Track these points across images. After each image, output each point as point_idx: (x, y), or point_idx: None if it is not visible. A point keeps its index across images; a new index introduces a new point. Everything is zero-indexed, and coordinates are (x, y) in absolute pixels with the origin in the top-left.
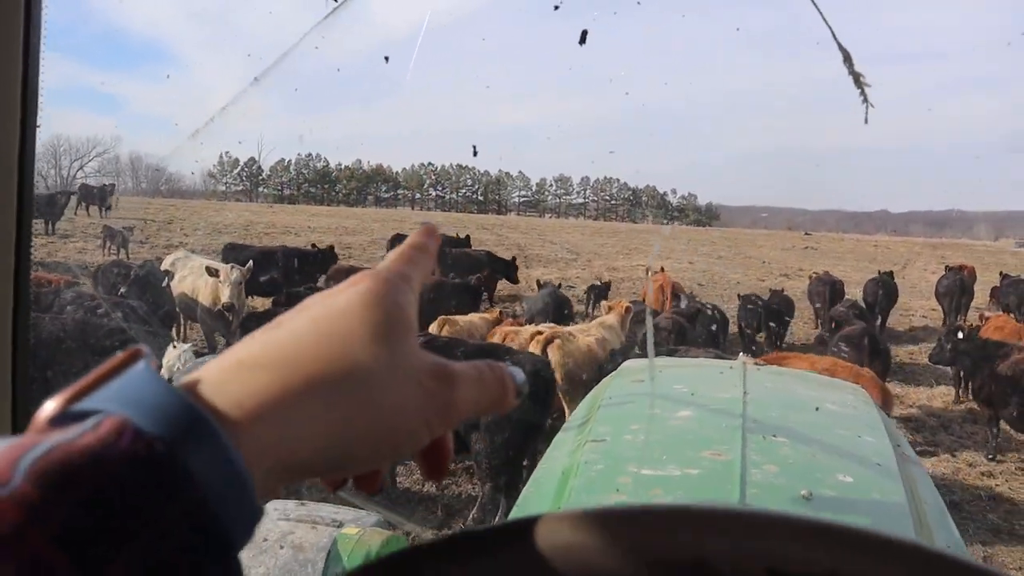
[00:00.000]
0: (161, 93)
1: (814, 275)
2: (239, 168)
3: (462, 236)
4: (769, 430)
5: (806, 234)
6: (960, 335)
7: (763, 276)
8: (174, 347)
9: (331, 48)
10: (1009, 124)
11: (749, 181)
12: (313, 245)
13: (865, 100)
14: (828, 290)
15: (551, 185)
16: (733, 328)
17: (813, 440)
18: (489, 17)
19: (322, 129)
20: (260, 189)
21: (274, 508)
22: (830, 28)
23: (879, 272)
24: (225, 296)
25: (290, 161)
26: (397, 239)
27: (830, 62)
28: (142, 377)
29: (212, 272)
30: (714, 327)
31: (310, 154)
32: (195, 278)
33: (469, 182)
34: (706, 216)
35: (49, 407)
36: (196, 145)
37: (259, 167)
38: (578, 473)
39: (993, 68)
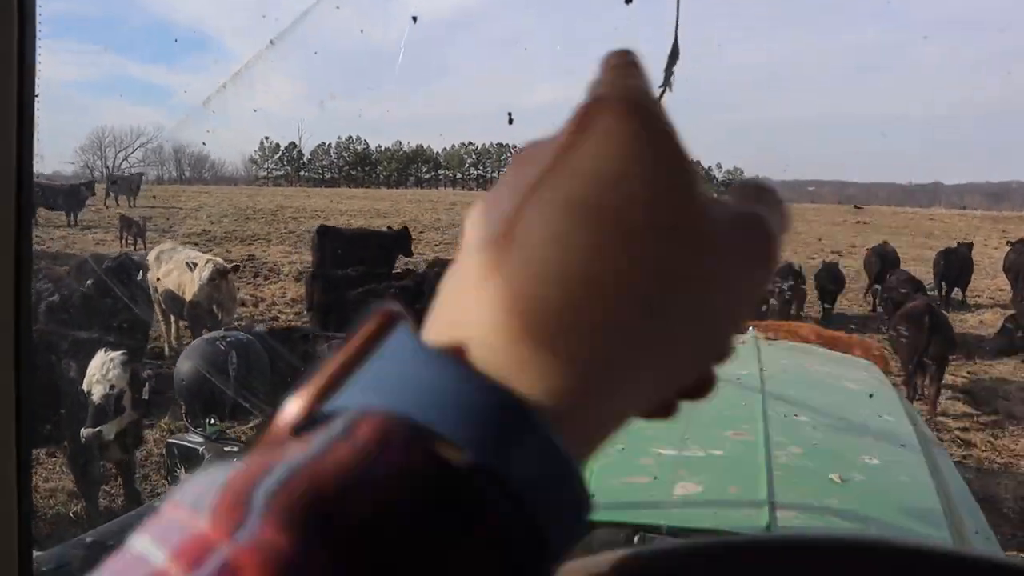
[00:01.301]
0: (205, 83)
1: (868, 250)
2: (279, 153)
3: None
4: (789, 408)
5: (857, 208)
6: None
7: (814, 253)
8: (104, 352)
9: (369, 29)
10: None
11: (795, 153)
12: (389, 227)
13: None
14: (879, 260)
15: None
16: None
17: (835, 419)
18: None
19: (362, 111)
20: (301, 173)
21: None
22: (677, 17)
23: (957, 243)
24: (191, 293)
25: (330, 144)
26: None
27: (875, 28)
28: (406, 350)
29: (191, 266)
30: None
31: (350, 137)
32: (180, 272)
33: (510, 161)
34: None
35: (292, 409)
36: (204, 114)
37: (300, 151)
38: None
39: None
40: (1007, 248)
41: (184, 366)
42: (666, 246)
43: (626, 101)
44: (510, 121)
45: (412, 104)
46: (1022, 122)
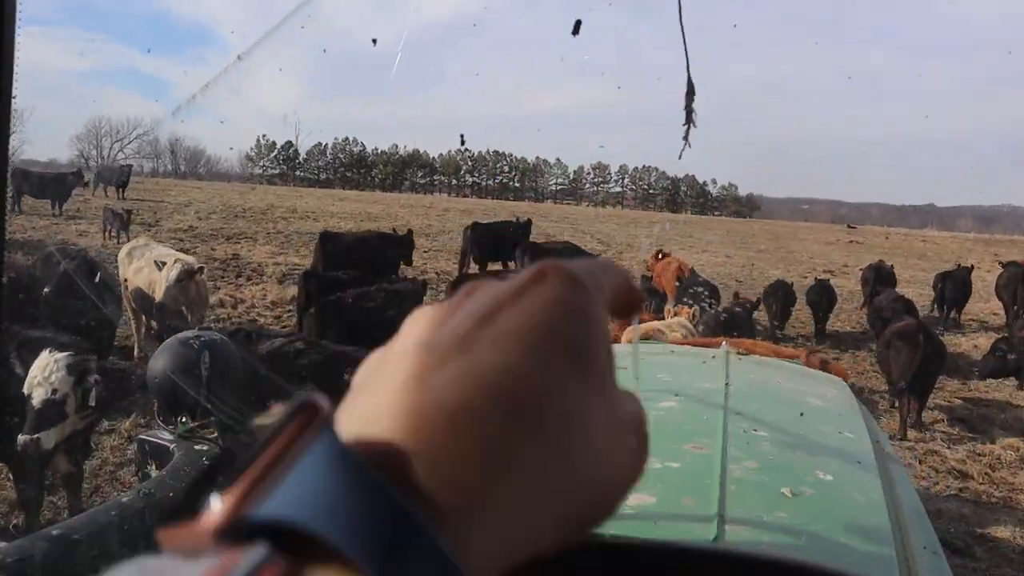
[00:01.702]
0: (203, 75)
1: (864, 269)
2: (276, 151)
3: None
4: (750, 423)
5: (850, 227)
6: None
7: (806, 272)
8: (49, 352)
9: (368, 32)
10: None
11: (790, 171)
12: (393, 230)
13: (687, 138)
14: (874, 275)
15: (588, 173)
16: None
17: (794, 435)
18: (528, 4)
19: (358, 113)
20: (297, 173)
21: None
22: (686, 54)
23: (957, 264)
24: (159, 294)
25: (326, 145)
26: (477, 229)
27: (874, 52)
28: (325, 457)
29: (159, 265)
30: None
31: (346, 138)
32: (150, 271)
33: (506, 168)
34: (747, 207)
35: (217, 510)
36: (191, 108)
37: (296, 150)
38: None
39: None
40: (1000, 270)
41: (156, 364)
42: (570, 396)
43: (573, 274)
44: (462, 143)
45: (410, 108)
46: (1015, 147)
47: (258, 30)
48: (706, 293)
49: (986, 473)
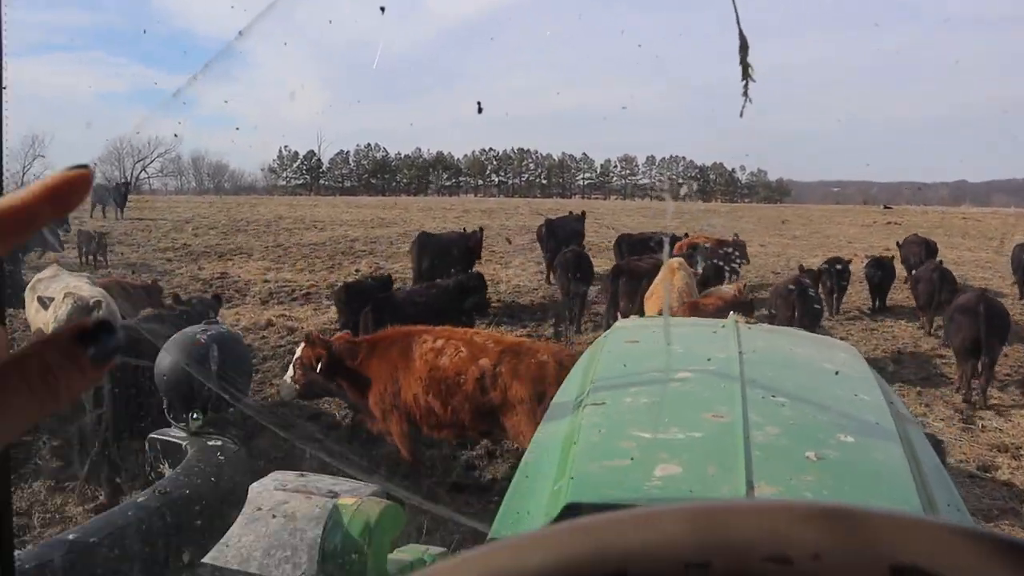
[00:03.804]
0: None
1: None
2: (298, 162)
3: (578, 212)
4: (767, 390)
5: (886, 207)
6: None
7: (848, 257)
8: None
9: (389, 37)
10: None
11: (819, 154)
12: (464, 230)
13: (746, 94)
14: (923, 250)
15: (615, 166)
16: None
17: (811, 400)
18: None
19: (381, 119)
20: (321, 182)
21: (273, 479)
22: (737, 16)
23: None
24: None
25: (348, 152)
26: (624, 240)
27: (893, 32)
28: None
29: (45, 303)
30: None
31: (369, 144)
32: (38, 309)
33: (532, 166)
34: (777, 192)
35: None
36: (170, 112)
37: (318, 160)
38: (579, 438)
39: None
40: None
41: (164, 361)
42: None
43: None
44: (479, 110)
45: (433, 111)
46: None
47: (280, 42)
48: (736, 253)
49: None
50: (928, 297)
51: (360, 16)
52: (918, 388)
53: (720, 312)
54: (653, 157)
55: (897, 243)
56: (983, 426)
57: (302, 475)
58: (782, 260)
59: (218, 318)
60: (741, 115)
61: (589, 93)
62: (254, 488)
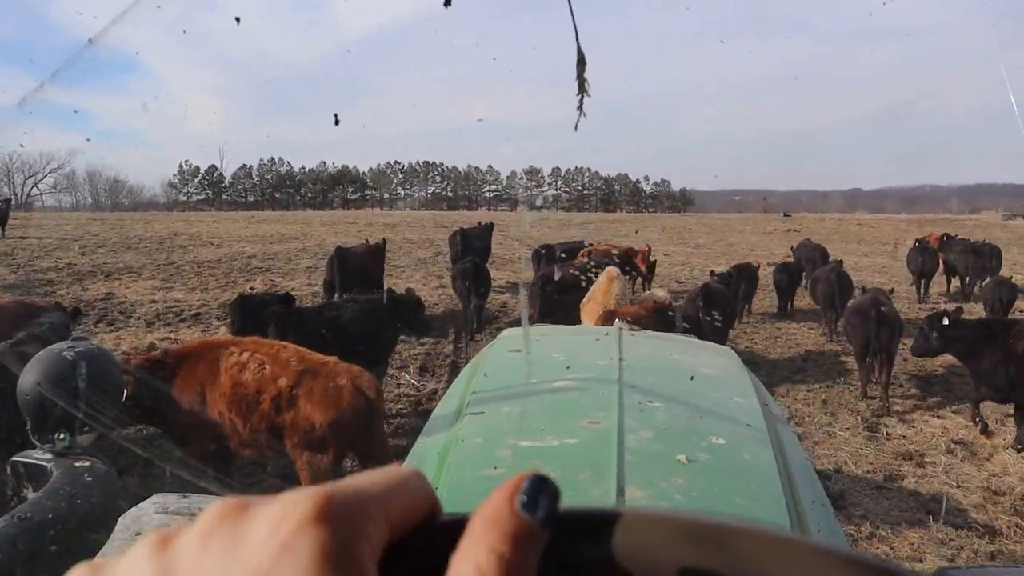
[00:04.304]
0: (122, 105)
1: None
2: (199, 177)
3: (485, 223)
4: (645, 396)
5: (785, 215)
6: (946, 321)
7: (758, 263)
8: None
9: (291, 50)
10: (977, 98)
11: (720, 165)
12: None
13: (580, 108)
14: (816, 254)
15: (521, 178)
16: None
17: (687, 404)
18: (455, 15)
19: (286, 132)
20: (224, 197)
21: (153, 502)
22: (575, 30)
23: (916, 240)
24: None
25: (251, 167)
26: (544, 250)
27: (796, 45)
28: None
29: None
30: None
31: (272, 158)
32: None
33: (438, 179)
34: (680, 201)
35: None
36: (21, 116)
37: (221, 174)
38: (457, 448)
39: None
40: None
41: (26, 379)
42: None
43: (336, 502)
44: (336, 122)
45: (339, 125)
46: (931, 127)
47: (179, 55)
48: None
49: None
50: (827, 298)
51: (266, 30)
52: (823, 396)
53: (637, 319)
54: (558, 168)
55: (792, 248)
56: (887, 433)
57: (185, 496)
58: (686, 269)
59: (75, 333)
60: (576, 128)
61: (495, 106)
62: (132, 513)
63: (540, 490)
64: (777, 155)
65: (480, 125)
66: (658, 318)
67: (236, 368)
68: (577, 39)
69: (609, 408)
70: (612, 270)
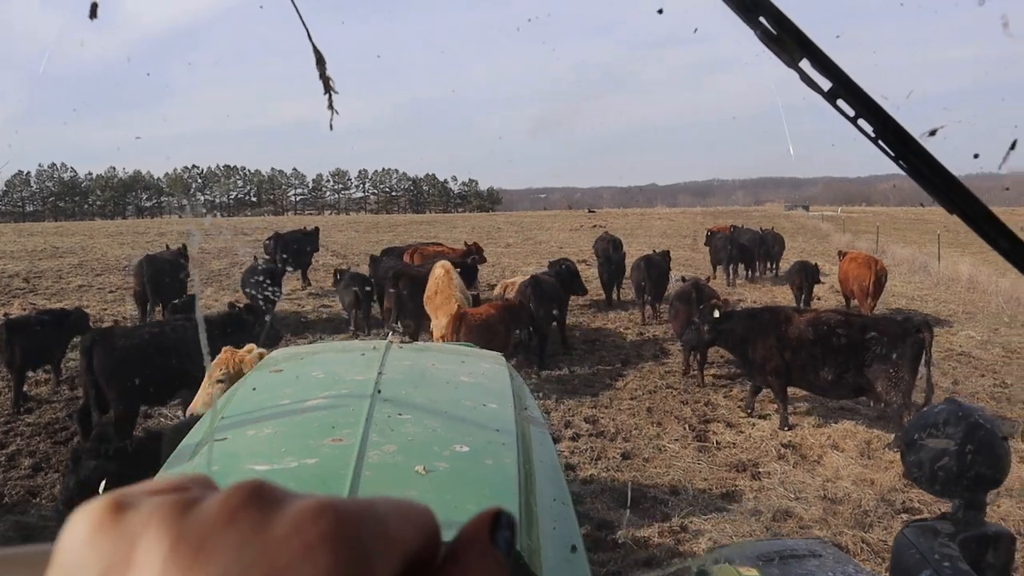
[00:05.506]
0: None
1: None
2: None
3: (310, 229)
4: (398, 408)
5: (590, 211)
6: (717, 313)
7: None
8: None
9: (75, 49)
10: (754, 100)
11: (525, 164)
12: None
13: (331, 106)
14: (610, 246)
15: (328, 180)
16: None
17: (439, 414)
18: (252, 15)
19: (70, 136)
20: None
21: None
22: (307, 31)
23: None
24: None
25: (30, 173)
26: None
27: (600, 48)
28: None
29: None
30: None
31: (54, 164)
32: None
33: (240, 183)
34: (488, 200)
35: None
36: None
37: None
38: None
39: (734, 51)
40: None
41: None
42: None
43: (346, 507)
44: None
45: (129, 127)
46: (719, 126)
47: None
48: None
49: None
50: (639, 286)
51: (49, 22)
52: (647, 405)
53: (488, 320)
54: (365, 171)
55: (595, 243)
56: (717, 443)
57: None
58: (497, 271)
59: None
60: (331, 128)
61: (299, 107)
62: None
63: (506, 525)
64: (579, 153)
65: (287, 127)
66: (509, 315)
67: None
68: (311, 39)
69: (356, 424)
70: (445, 263)
